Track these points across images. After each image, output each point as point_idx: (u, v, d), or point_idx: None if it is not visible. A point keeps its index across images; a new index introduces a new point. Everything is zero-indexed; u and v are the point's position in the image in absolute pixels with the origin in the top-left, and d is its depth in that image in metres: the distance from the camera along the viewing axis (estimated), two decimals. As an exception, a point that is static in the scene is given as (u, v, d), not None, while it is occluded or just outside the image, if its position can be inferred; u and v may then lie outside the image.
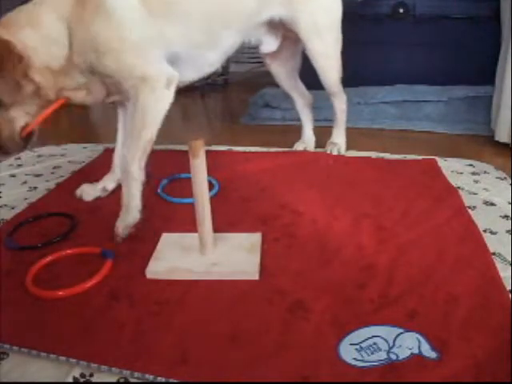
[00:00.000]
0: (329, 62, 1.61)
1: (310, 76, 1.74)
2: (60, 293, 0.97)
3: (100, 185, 1.45)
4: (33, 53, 1.13)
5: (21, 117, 1.19)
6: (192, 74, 1.39)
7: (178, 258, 1.08)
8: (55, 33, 1.15)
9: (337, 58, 1.61)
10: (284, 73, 1.76)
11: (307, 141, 1.85)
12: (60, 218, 1.30)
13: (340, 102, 1.74)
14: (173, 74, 1.24)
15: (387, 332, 0.85)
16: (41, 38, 1.14)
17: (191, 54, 1.34)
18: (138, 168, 1.19)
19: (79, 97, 1.25)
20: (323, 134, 1.84)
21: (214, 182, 1.39)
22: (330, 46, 1.59)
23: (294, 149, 1.82)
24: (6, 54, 1.09)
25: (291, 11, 1.50)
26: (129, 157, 1.19)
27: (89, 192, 1.44)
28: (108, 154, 1.82)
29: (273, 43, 1.59)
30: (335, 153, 1.73)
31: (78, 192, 1.44)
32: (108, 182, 1.46)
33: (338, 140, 1.78)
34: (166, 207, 1.36)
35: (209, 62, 1.42)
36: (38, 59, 1.14)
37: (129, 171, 1.19)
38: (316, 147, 1.79)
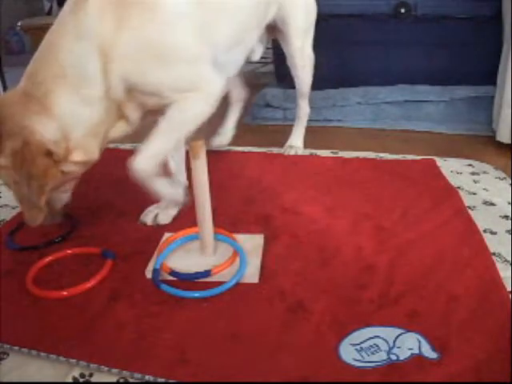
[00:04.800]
0: (308, 61, 1.65)
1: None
2: (64, 293, 0.98)
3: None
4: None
5: (65, 196, 1.13)
6: None
7: (178, 258, 1.08)
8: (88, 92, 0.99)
9: (313, 57, 1.66)
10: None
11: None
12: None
13: (306, 105, 1.77)
14: (222, 83, 1.10)
15: (387, 332, 0.85)
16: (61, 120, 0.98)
17: (225, 59, 1.22)
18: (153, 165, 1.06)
19: (119, 131, 1.10)
20: (323, 133, 1.84)
21: None
22: (309, 47, 1.64)
23: (283, 151, 1.76)
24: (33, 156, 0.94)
25: (282, 12, 1.50)
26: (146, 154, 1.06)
27: (166, 213, 1.26)
28: (108, 153, 1.82)
29: (260, 51, 1.55)
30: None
31: (148, 220, 1.25)
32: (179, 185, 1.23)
33: (297, 143, 1.77)
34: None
35: (236, 66, 1.32)
36: (75, 135, 1.01)
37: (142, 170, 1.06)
38: (315, 147, 1.79)
